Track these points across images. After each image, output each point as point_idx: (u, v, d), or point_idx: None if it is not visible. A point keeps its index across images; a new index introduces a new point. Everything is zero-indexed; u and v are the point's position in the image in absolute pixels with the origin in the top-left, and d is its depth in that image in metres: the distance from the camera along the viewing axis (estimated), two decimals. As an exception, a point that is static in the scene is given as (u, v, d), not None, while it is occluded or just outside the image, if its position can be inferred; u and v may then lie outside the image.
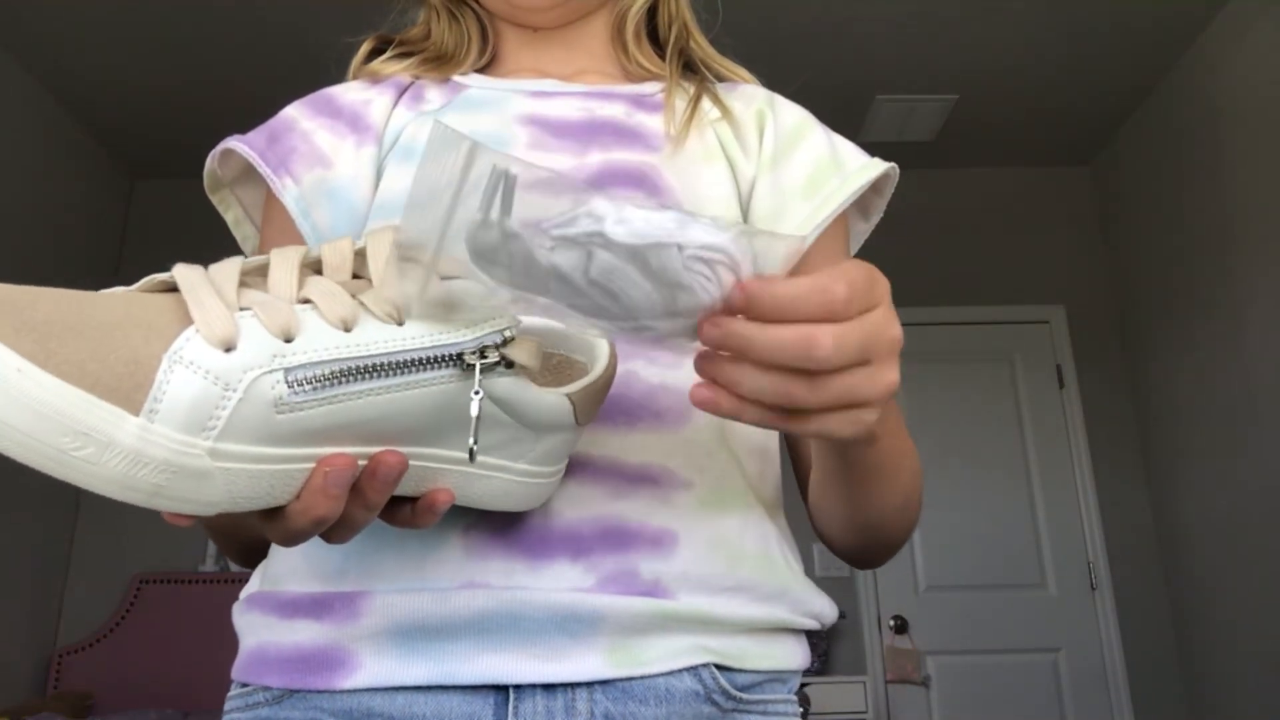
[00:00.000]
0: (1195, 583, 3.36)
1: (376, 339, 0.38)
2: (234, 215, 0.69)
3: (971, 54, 3.30)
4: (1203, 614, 3.32)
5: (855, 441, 0.47)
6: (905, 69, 3.37)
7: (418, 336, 0.39)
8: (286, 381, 0.36)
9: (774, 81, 0.72)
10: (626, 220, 0.36)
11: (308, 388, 0.36)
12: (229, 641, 0.57)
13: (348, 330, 0.38)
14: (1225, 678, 3.19)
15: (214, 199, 0.68)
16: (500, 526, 0.52)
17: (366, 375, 0.37)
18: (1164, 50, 3.31)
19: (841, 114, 3.55)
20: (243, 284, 0.38)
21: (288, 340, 0.36)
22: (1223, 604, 3.19)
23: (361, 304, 0.39)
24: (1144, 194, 3.66)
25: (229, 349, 0.35)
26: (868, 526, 0.58)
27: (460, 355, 0.40)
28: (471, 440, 0.41)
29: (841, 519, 0.58)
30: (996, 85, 3.47)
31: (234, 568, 3.44)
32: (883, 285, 0.40)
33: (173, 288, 0.38)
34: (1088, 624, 3.53)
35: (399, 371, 0.38)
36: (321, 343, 0.37)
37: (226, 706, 0.56)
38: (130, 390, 0.33)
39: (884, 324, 0.39)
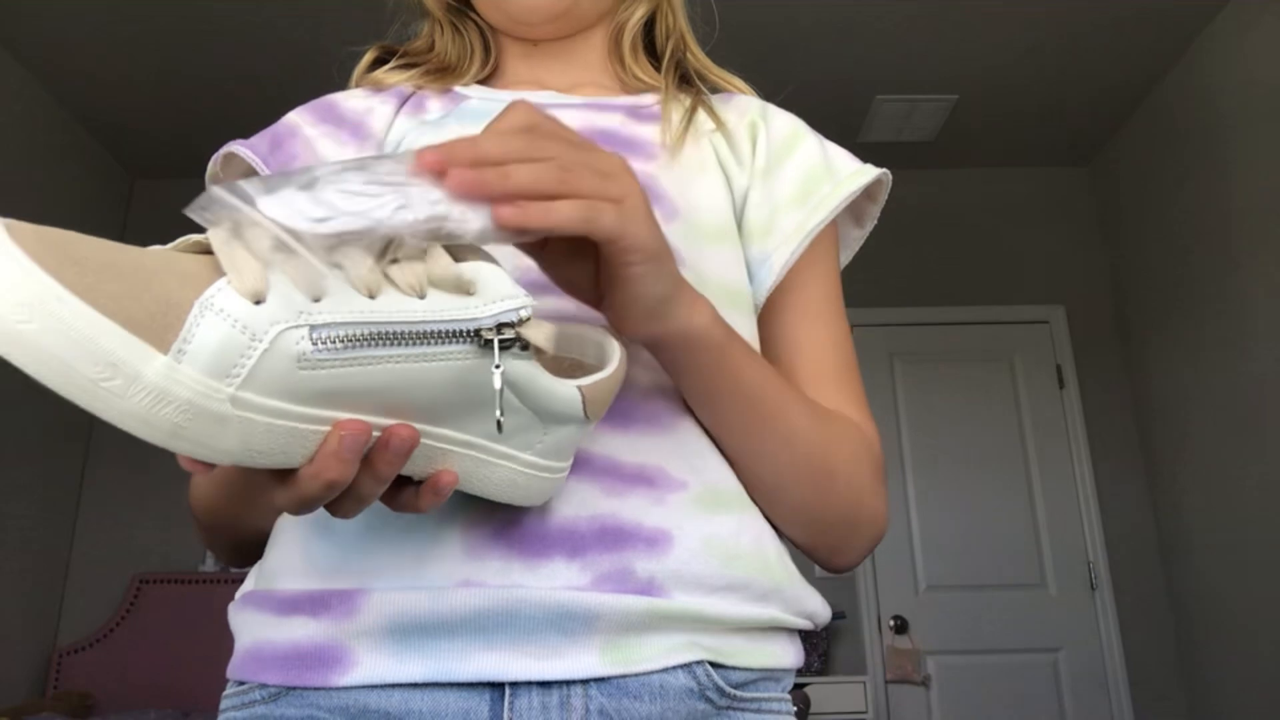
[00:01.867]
0: (1195, 582, 3.36)
1: (399, 308, 0.39)
2: None
3: (971, 54, 3.30)
4: (1203, 613, 3.32)
5: (656, 322, 0.50)
6: (905, 69, 3.37)
7: (437, 310, 0.40)
8: (311, 339, 0.37)
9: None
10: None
11: (331, 347, 0.37)
12: (229, 641, 0.57)
13: (372, 297, 0.39)
14: (1225, 678, 3.19)
15: None
16: (498, 526, 0.52)
17: (387, 342, 0.39)
18: (1164, 50, 3.31)
19: (841, 114, 3.55)
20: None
21: (315, 300, 0.38)
22: (1223, 604, 3.19)
23: (386, 276, 0.40)
24: (1144, 194, 3.66)
25: (259, 301, 0.36)
26: (768, 488, 0.59)
27: (478, 331, 0.41)
28: (498, 413, 0.42)
29: (741, 472, 0.59)
30: (996, 85, 3.47)
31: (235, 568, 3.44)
32: (547, 124, 0.46)
33: (208, 250, 0.39)
34: (1088, 624, 3.53)
35: (418, 342, 0.39)
36: (347, 306, 0.38)
37: (222, 705, 0.56)
38: (161, 330, 0.34)
39: (549, 138, 0.45)
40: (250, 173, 0.66)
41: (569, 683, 0.51)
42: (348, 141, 0.65)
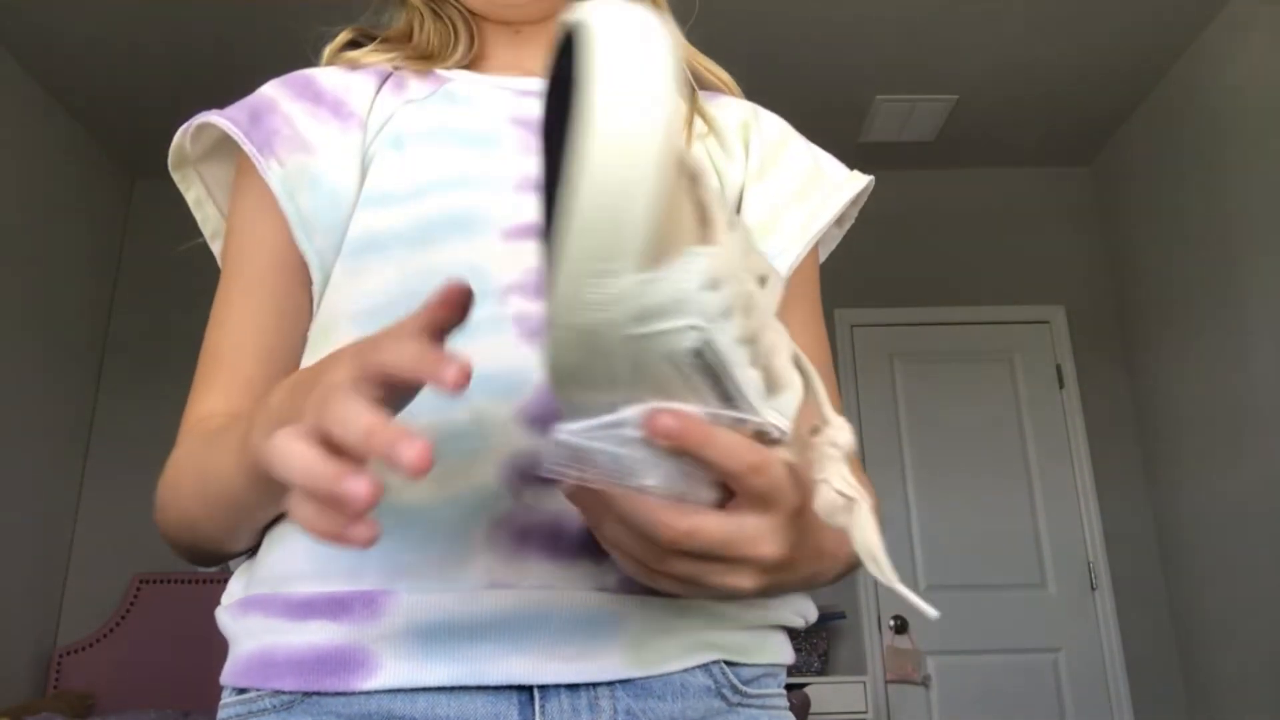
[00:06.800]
0: (1195, 582, 3.36)
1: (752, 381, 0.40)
2: (195, 194, 0.69)
3: (971, 54, 3.30)
4: (1203, 614, 3.32)
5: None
6: (905, 69, 3.37)
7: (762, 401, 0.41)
8: (700, 341, 0.37)
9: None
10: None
11: (696, 360, 0.38)
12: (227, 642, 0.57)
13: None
14: (1225, 677, 3.19)
15: (175, 175, 0.68)
16: (523, 528, 0.52)
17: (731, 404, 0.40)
18: (1164, 50, 3.31)
19: (841, 114, 3.55)
20: None
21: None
22: (1223, 604, 3.19)
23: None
24: (1144, 194, 3.66)
25: (714, 288, 0.36)
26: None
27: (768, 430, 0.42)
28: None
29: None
30: (996, 85, 3.47)
31: (234, 568, 3.43)
32: (788, 499, 0.41)
33: None
34: (1088, 624, 3.53)
35: (734, 422, 0.40)
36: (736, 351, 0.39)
37: (222, 715, 0.54)
38: (657, 252, 0.34)
39: (760, 536, 0.41)
40: (217, 145, 0.65)
41: (595, 685, 0.51)
42: (329, 119, 0.64)
